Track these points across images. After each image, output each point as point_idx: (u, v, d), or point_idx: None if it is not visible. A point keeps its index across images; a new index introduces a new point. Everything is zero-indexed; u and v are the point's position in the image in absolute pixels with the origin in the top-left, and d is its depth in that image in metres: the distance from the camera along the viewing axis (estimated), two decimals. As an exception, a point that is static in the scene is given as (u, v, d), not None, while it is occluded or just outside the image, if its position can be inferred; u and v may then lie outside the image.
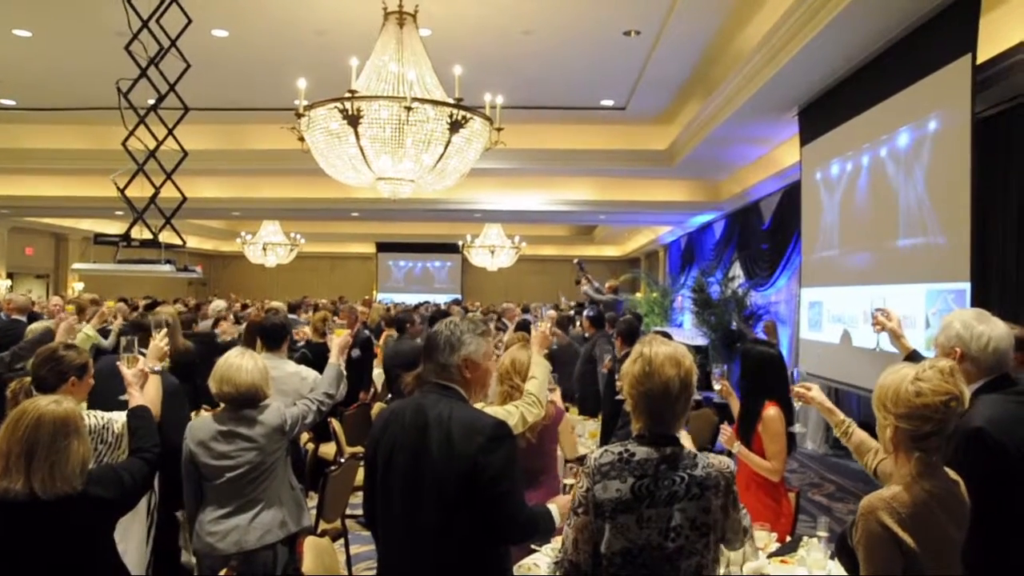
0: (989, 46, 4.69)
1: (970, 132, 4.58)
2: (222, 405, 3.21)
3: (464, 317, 2.59)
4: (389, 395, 7.66)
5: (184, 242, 5.39)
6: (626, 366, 2.14)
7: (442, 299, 18.31)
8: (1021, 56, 4.58)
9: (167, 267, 4.99)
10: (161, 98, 5.34)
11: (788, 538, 3.25)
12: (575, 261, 12.13)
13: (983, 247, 4.97)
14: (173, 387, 3.65)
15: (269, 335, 4.55)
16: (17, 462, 2.22)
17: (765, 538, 3.03)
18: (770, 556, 2.94)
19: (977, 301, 4.59)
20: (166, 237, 5.17)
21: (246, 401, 3.17)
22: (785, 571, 2.84)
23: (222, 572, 2.84)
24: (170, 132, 5.39)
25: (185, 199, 5.44)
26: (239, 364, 3.16)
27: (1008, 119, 5.21)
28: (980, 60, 4.59)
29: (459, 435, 2.21)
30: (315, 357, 6.03)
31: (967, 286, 4.64)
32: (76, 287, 16.98)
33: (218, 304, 9.16)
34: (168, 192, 5.34)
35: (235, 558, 3.06)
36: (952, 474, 2.05)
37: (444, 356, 2.37)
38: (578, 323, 9.18)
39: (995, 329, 2.46)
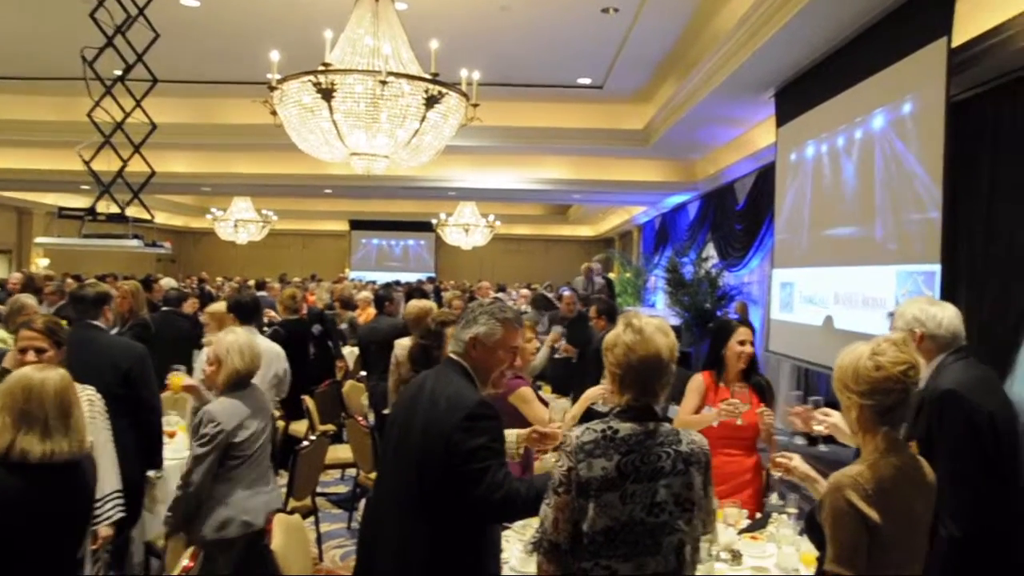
0: (965, 29, 4.71)
1: (944, 115, 4.62)
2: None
3: (493, 300, 2.56)
4: (363, 372, 7.61)
5: (152, 217, 5.32)
6: (610, 338, 2.09)
7: (415, 278, 18.19)
8: (996, 39, 4.59)
9: (134, 242, 4.93)
10: (128, 68, 5.21)
11: (758, 515, 3.29)
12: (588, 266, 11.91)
13: (954, 230, 5.02)
14: (141, 352, 3.78)
15: (239, 310, 4.71)
16: (56, 423, 2.28)
17: (736, 515, 3.07)
18: (741, 532, 2.98)
19: (946, 283, 4.65)
20: (134, 212, 5.09)
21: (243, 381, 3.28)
22: (755, 547, 2.87)
23: (186, 552, 2.77)
24: (138, 104, 5.27)
25: (154, 173, 5.36)
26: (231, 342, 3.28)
27: (982, 102, 5.24)
28: (956, 43, 4.61)
29: (443, 409, 2.22)
30: (288, 334, 6.02)
31: (937, 268, 4.70)
32: (40, 263, 16.64)
33: (169, 282, 8.98)
34: (136, 166, 5.25)
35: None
36: (915, 452, 2.09)
37: (458, 330, 2.42)
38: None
39: (946, 310, 2.71)
